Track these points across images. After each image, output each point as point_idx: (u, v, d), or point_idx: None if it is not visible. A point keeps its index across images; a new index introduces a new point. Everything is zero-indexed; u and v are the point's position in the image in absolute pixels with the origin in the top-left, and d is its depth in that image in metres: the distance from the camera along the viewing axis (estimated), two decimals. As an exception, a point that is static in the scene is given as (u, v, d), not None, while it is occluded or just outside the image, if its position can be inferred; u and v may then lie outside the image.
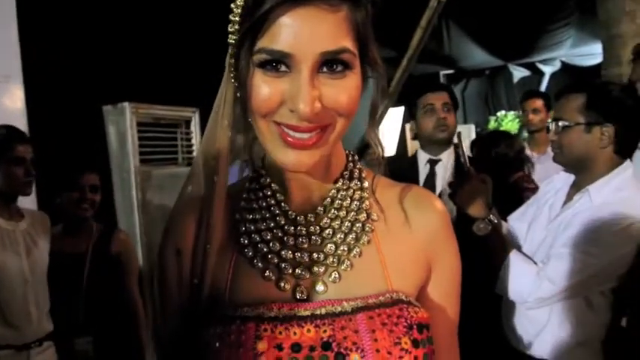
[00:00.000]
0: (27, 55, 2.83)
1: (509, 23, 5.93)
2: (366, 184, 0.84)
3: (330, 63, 0.69)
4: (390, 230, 0.82)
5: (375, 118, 0.81)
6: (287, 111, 0.69)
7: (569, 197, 1.76)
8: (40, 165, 2.33)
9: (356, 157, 0.86)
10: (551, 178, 1.96)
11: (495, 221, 1.79)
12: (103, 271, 2.57)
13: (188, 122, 3.79)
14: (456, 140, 2.26)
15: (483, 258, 1.78)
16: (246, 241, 0.78)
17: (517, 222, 1.98)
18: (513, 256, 1.71)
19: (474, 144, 3.68)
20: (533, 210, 1.94)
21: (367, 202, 0.82)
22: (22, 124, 2.66)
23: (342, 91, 0.70)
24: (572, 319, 1.65)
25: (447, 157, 2.42)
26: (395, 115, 6.29)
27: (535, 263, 1.71)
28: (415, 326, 0.74)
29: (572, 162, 1.73)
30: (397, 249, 0.81)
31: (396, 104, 6.07)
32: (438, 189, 2.34)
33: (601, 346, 1.65)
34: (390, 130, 6.41)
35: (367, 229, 0.80)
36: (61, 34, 3.09)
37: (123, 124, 3.30)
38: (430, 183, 2.39)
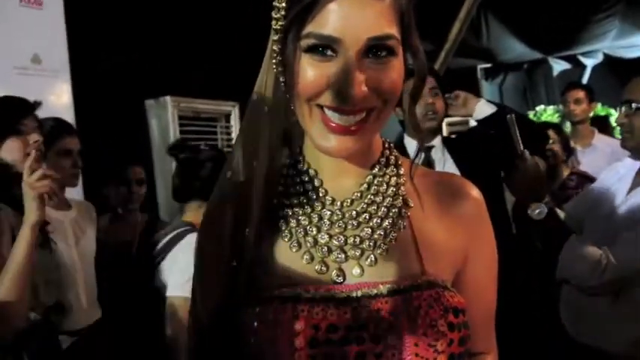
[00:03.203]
0: (74, 51, 2.91)
1: (550, 15, 5.78)
2: (402, 170, 0.85)
3: (375, 49, 0.70)
4: (426, 216, 0.82)
5: (415, 103, 0.83)
6: (332, 94, 0.70)
7: (636, 184, 1.72)
8: (85, 157, 2.40)
9: (392, 145, 0.87)
10: (613, 165, 1.92)
11: (551, 205, 1.77)
12: (149, 260, 2.63)
13: (228, 116, 3.84)
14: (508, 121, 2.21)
15: (537, 244, 1.77)
16: (284, 226, 0.80)
17: (573, 210, 1.95)
18: (575, 239, 1.69)
19: None
20: (592, 198, 1.90)
21: (403, 188, 0.83)
22: (69, 117, 2.73)
23: (386, 75, 0.71)
24: (636, 310, 1.61)
25: (439, 143, 2.33)
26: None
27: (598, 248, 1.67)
28: (451, 310, 0.74)
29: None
30: (433, 235, 0.81)
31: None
32: None
33: None
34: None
35: (403, 214, 0.81)
36: (107, 30, 3.16)
37: (165, 118, 3.37)
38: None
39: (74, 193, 2.62)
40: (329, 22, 0.68)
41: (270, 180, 0.82)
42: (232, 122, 3.82)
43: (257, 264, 0.78)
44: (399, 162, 0.86)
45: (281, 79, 0.77)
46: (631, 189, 1.73)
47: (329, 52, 0.70)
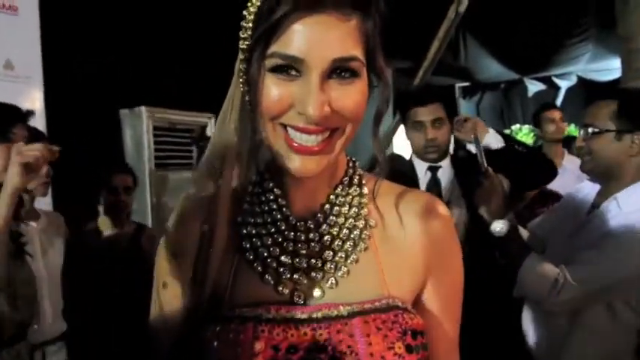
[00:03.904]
0: (47, 57, 2.86)
1: (526, 37, 5.91)
2: (365, 190, 0.85)
3: (339, 70, 0.71)
4: (388, 236, 0.82)
5: (378, 126, 0.82)
6: (296, 113, 0.71)
7: (595, 206, 1.74)
8: (56, 166, 2.35)
9: (357, 163, 0.87)
10: (575, 188, 1.95)
11: (512, 222, 1.78)
12: (136, 267, 2.60)
13: (204, 128, 3.81)
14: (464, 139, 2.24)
15: (500, 260, 1.78)
16: (247, 245, 0.80)
17: (537, 228, 1.97)
18: (533, 257, 1.70)
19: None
20: (555, 218, 1.93)
21: (366, 209, 0.83)
22: (41, 125, 2.68)
23: (350, 96, 0.72)
24: (595, 328, 1.63)
25: (447, 163, 2.28)
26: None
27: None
28: (409, 332, 0.74)
29: (601, 169, 1.71)
30: (395, 255, 0.81)
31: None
32: (445, 196, 2.24)
33: (635, 358, 1.62)
34: (404, 142, 6.42)
35: (364, 236, 0.81)
36: (82, 37, 3.12)
37: (139, 128, 3.33)
38: (434, 191, 2.25)
39: (44, 204, 2.56)
40: (294, 42, 0.69)
41: (236, 197, 0.82)
42: (208, 134, 3.79)
43: (220, 282, 0.78)
44: (363, 181, 0.86)
45: (247, 98, 0.77)
46: (590, 210, 1.76)
47: (293, 72, 0.71)
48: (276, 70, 0.71)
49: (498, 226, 1.76)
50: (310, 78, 0.69)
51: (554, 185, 3.31)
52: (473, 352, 1.33)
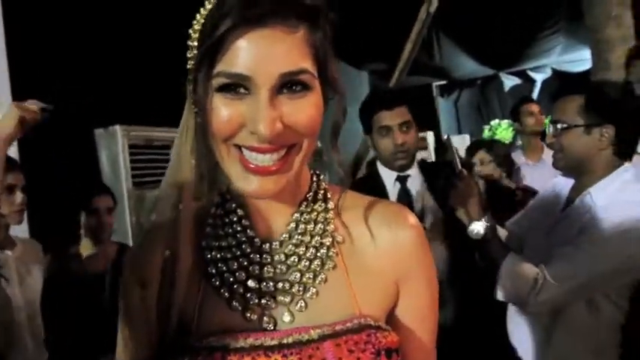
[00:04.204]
0: (16, 81, 2.81)
1: (498, 32, 5.97)
2: (330, 204, 0.82)
3: (290, 84, 0.69)
4: (356, 251, 0.80)
5: (336, 138, 0.80)
6: (248, 133, 0.69)
7: (569, 201, 1.74)
8: (31, 192, 2.31)
9: (321, 177, 0.84)
10: (550, 184, 1.95)
11: (490, 223, 1.77)
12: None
13: (181, 143, 3.78)
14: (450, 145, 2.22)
15: (480, 263, 1.77)
16: (213, 270, 0.77)
17: (515, 227, 1.96)
18: (512, 258, 1.68)
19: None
20: (531, 215, 1.93)
21: (332, 224, 0.80)
22: (12, 151, 2.62)
23: (302, 110, 0.69)
24: (578, 324, 1.62)
25: (415, 172, 2.16)
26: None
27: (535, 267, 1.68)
28: (383, 352, 0.72)
29: (572, 164, 1.70)
30: (364, 271, 0.79)
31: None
32: (417, 205, 2.12)
33: (619, 352, 1.62)
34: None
35: (332, 253, 0.78)
36: (50, 59, 3.07)
37: (114, 148, 3.29)
38: (405, 201, 2.10)
39: (20, 231, 2.51)
40: (239, 59, 0.67)
41: (198, 221, 0.80)
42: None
43: (186, 311, 0.75)
44: (328, 195, 0.83)
45: (198, 120, 0.75)
46: (565, 206, 1.75)
47: (242, 90, 0.68)
48: (223, 89, 0.69)
49: (476, 228, 1.75)
50: (259, 95, 0.67)
51: (533, 180, 3.34)
52: (457, 356, 1.32)
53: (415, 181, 2.15)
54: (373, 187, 2.08)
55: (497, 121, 8.33)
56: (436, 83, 8.46)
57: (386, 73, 5.89)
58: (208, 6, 0.70)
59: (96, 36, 3.27)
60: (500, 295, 1.71)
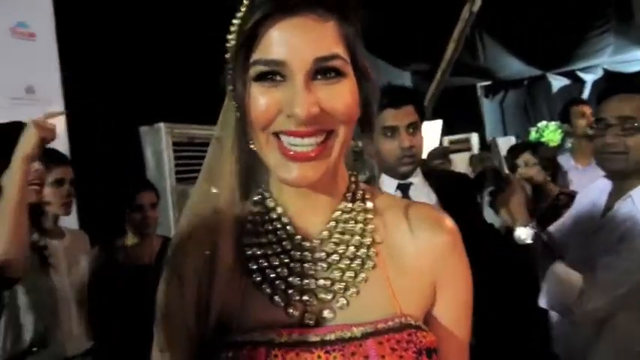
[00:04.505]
0: (67, 80, 2.95)
1: (544, 32, 5.83)
2: (369, 204, 0.82)
3: (324, 71, 0.70)
4: (395, 252, 0.80)
5: (370, 126, 0.81)
6: (285, 118, 0.70)
7: (610, 207, 1.67)
8: (80, 185, 2.42)
9: (359, 177, 0.85)
10: (588, 188, 1.89)
11: (536, 230, 1.72)
12: None
13: (222, 141, 3.86)
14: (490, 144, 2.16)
15: (525, 269, 1.72)
16: (254, 267, 0.77)
17: (557, 233, 1.90)
18: (557, 267, 1.63)
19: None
20: (570, 222, 1.87)
21: (372, 224, 0.81)
22: (63, 146, 2.76)
23: (338, 95, 0.71)
24: (623, 333, 1.55)
25: (418, 180, 1.94)
26: (432, 129, 6.27)
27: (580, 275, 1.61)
28: (424, 351, 0.72)
29: (634, 167, 1.59)
30: (403, 271, 0.79)
31: (432, 117, 6.04)
32: None
33: None
34: (428, 145, 6.39)
35: (372, 253, 0.78)
36: (99, 58, 3.21)
37: (159, 144, 3.40)
38: None
39: (70, 222, 2.64)
40: (273, 46, 0.69)
41: (238, 219, 0.80)
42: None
43: (228, 307, 0.76)
44: (367, 195, 0.83)
45: (237, 113, 0.76)
46: (605, 212, 1.68)
47: (278, 78, 0.70)
48: (260, 78, 0.70)
49: (523, 234, 1.70)
50: (295, 81, 0.69)
51: (581, 185, 3.24)
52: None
53: (418, 189, 1.92)
54: None
55: (544, 122, 8.13)
56: (481, 84, 8.32)
57: (428, 74, 5.86)
58: (245, 1, 0.72)
59: (143, 38, 3.39)
60: (543, 303, 1.66)
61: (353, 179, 0.84)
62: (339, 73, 0.71)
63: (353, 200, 0.82)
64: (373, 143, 0.81)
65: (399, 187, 1.92)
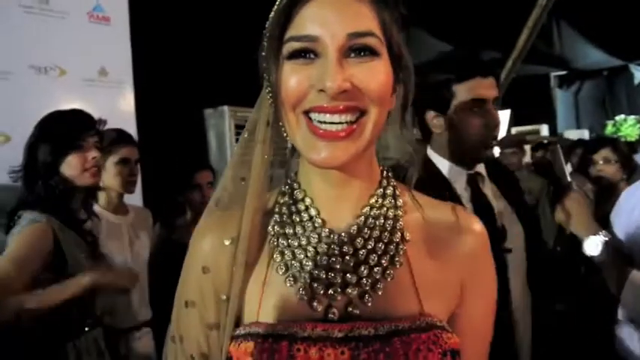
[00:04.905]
0: (138, 62, 3.07)
1: (628, 20, 5.47)
2: (400, 202, 0.80)
3: (358, 50, 0.69)
4: (424, 252, 0.78)
5: (405, 110, 0.79)
6: (315, 93, 0.69)
7: None
8: (145, 165, 2.52)
9: (390, 174, 0.83)
10: (635, 186, 1.75)
11: (607, 238, 1.59)
12: None
13: (284, 125, 3.92)
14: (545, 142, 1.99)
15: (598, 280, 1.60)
16: (278, 258, 0.76)
17: (625, 236, 1.78)
18: (635, 275, 1.52)
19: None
20: (636, 225, 1.76)
21: (401, 222, 0.79)
22: (132, 126, 2.88)
23: (371, 74, 0.69)
24: None
25: (482, 168, 1.66)
26: (502, 119, 6.06)
27: None
28: (449, 353, 0.71)
29: None
30: (431, 271, 0.78)
31: (502, 107, 5.84)
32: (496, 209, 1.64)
33: None
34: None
35: (400, 250, 0.76)
36: (168, 42, 3.31)
37: (222, 126, 3.48)
38: (482, 204, 1.59)
39: (135, 199, 2.76)
40: (307, 23, 0.69)
41: (265, 209, 0.80)
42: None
43: (250, 297, 0.76)
44: (397, 192, 0.81)
45: (269, 96, 0.75)
46: None
47: (311, 56, 0.69)
48: (293, 56, 0.70)
49: (591, 245, 1.59)
50: (327, 56, 0.68)
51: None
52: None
53: (486, 182, 1.65)
54: (440, 186, 1.56)
55: (623, 116, 7.69)
56: (554, 73, 7.95)
57: (498, 62, 5.64)
58: None
59: (210, 23, 3.46)
60: (621, 314, 1.58)
61: (385, 174, 0.82)
62: (373, 52, 0.70)
63: (384, 197, 0.80)
64: (407, 127, 0.78)
65: (469, 179, 1.61)
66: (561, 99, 8.02)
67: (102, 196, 2.38)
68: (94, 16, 2.88)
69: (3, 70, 2.55)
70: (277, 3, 0.72)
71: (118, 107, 3.01)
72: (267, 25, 0.73)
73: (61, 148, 1.87)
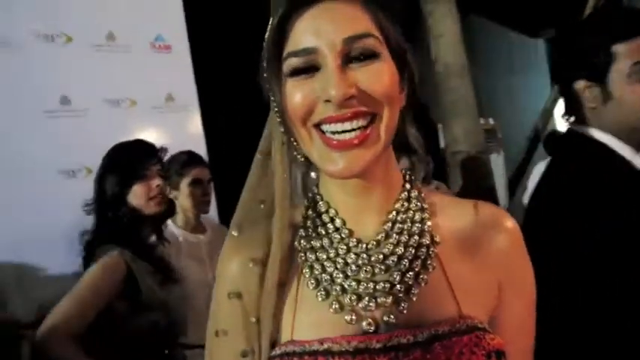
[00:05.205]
0: (202, 87, 3.17)
1: None
2: (426, 204, 0.79)
3: (357, 55, 0.68)
4: (456, 253, 0.77)
5: (412, 107, 0.78)
6: (323, 106, 0.68)
7: None
8: (219, 184, 2.57)
9: (412, 177, 0.82)
10: None
11: None
12: None
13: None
14: None
15: None
16: (308, 273, 0.75)
17: None
18: None
19: None
20: None
21: (429, 224, 0.77)
22: (201, 148, 2.97)
23: (375, 76, 0.69)
24: None
25: None
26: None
27: None
28: (494, 354, 0.69)
29: None
30: (465, 273, 0.75)
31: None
32: None
33: None
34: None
35: (432, 253, 0.75)
36: (230, 64, 3.40)
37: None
38: None
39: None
40: (302, 37, 0.69)
41: (290, 224, 0.79)
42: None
43: (283, 316, 0.75)
44: (422, 194, 0.80)
45: (277, 115, 0.74)
46: None
47: (312, 70, 0.69)
48: (294, 73, 0.70)
49: None
50: (327, 66, 0.67)
51: None
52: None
53: None
54: (607, 172, 1.25)
55: None
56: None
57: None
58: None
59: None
60: None
61: (407, 178, 0.81)
62: (373, 54, 0.69)
63: (408, 200, 0.78)
64: (413, 124, 0.77)
65: None
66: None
67: (179, 217, 2.47)
68: (156, 46, 3.01)
69: (81, 108, 2.72)
70: (270, 22, 0.72)
71: (187, 130, 3.13)
72: (264, 46, 0.74)
73: (126, 179, 1.95)
